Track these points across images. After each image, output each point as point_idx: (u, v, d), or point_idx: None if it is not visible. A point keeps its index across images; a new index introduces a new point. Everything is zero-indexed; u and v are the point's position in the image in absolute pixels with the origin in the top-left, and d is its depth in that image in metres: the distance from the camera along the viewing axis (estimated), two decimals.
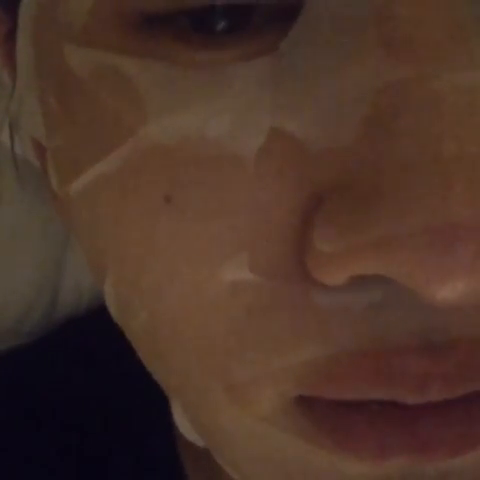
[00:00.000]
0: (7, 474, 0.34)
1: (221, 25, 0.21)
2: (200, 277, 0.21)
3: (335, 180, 0.20)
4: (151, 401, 0.33)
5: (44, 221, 0.38)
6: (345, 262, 0.19)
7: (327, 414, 0.22)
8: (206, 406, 0.23)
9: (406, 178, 0.18)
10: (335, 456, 0.22)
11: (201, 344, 0.22)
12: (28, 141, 0.28)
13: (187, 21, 0.21)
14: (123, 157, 0.21)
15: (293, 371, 0.21)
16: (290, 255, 0.20)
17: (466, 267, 0.18)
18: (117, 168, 0.21)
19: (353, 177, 0.19)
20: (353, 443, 0.21)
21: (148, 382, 0.26)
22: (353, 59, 0.19)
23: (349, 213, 0.19)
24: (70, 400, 0.36)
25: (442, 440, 0.21)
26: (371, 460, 0.21)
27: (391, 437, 0.21)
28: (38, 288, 0.39)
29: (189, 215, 0.21)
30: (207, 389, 0.23)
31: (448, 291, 0.18)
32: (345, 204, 0.19)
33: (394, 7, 0.19)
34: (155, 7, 0.21)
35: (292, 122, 0.20)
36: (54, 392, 0.36)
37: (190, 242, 0.21)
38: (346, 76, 0.19)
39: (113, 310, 0.25)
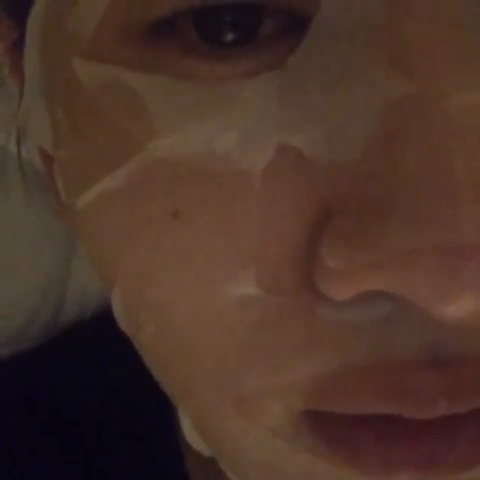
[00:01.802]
0: (13, 477, 0.34)
1: (229, 37, 0.21)
2: (207, 292, 0.21)
3: (343, 196, 0.20)
4: (156, 408, 0.33)
5: (50, 225, 0.38)
6: (353, 279, 0.19)
7: (334, 429, 0.22)
8: (213, 417, 0.23)
9: (414, 196, 0.18)
10: (341, 470, 0.22)
11: (208, 358, 0.22)
12: (35, 148, 0.28)
13: (195, 33, 0.21)
14: (131, 172, 0.21)
15: (300, 385, 0.21)
16: (297, 270, 0.20)
17: (474, 284, 0.18)
18: (125, 183, 0.22)
19: (361, 193, 0.19)
20: (359, 458, 0.21)
21: (153, 388, 0.26)
22: (362, 75, 0.19)
23: (357, 229, 0.19)
24: (75, 405, 0.36)
25: (448, 456, 0.21)
26: (377, 475, 0.21)
27: (397, 453, 0.21)
28: (44, 292, 0.39)
29: (196, 230, 0.21)
30: (214, 401, 0.23)
31: (456, 309, 0.18)
32: (353, 220, 0.19)
33: (404, 24, 0.19)
34: (162, 11, 0.20)
35: (300, 138, 0.20)
36: (59, 397, 0.36)
37: (197, 257, 0.21)
38: (355, 92, 0.19)
39: (121, 320, 0.25)
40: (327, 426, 0.22)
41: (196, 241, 0.21)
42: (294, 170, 0.20)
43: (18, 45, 0.26)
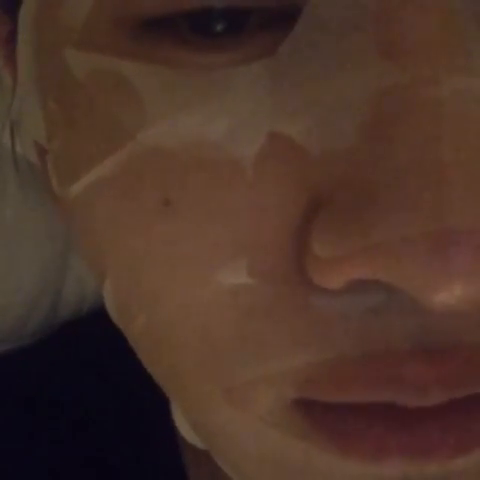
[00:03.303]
0: (7, 475, 0.34)
1: (219, 27, 0.21)
2: (198, 281, 0.21)
3: (333, 185, 0.19)
4: (153, 403, 0.33)
5: (46, 221, 0.38)
6: (343, 267, 0.19)
7: (326, 415, 0.22)
8: (205, 408, 0.23)
9: (403, 183, 0.18)
10: (334, 457, 0.22)
11: (199, 347, 0.22)
12: (29, 142, 0.28)
13: (186, 24, 0.21)
14: (122, 160, 0.21)
15: (291, 375, 0.21)
16: (289, 259, 0.20)
17: (463, 272, 0.18)
18: (116, 171, 0.21)
19: (351, 182, 0.19)
20: (352, 444, 0.21)
21: (150, 384, 0.26)
22: (352, 63, 0.19)
23: (347, 218, 0.19)
24: (72, 402, 0.36)
25: (442, 441, 0.21)
26: (370, 461, 0.21)
27: (390, 438, 0.21)
28: (40, 289, 0.39)
29: (188, 218, 0.21)
30: (206, 391, 0.23)
31: (445, 296, 0.18)
32: (343, 208, 0.19)
33: (392, 11, 0.19)
34: (153, 11, 0.21)
35: (291, 126, 0.20)
36: (55, 394, 0.36)
37: (188, 245, 0.21)
38: (345, 80, 0.19)
39: (112, 313, 0.25)
40: (319, 413, 0.22)
41: (187, 230, 0.21)
42: (285, 158, 0.20)
43: (11, 38, 0.26)
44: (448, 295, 0.18)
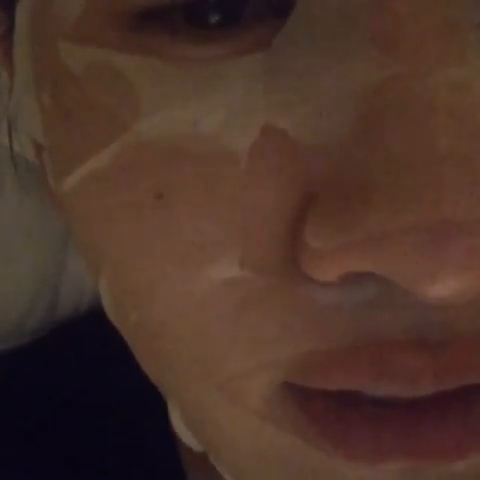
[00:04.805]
0: (5, 475, 0.34)
1: (215, 18, 0.21)
2: (191, 274, 0.21)
3: (328, 177, 0.19)
4: (151, 403, 0.33)
5: (44, 220, 0.38)
6: (336, 259, 0.19)
7: (324, 413, 0.21)
8: (200, 404, 0.23)
9: (397, 175, 0.18)
10: (329, 456, 0.21)
11: (194, 342, 0.22)
12: (27, 140, 0.28)
13: (180, 15, 0.21)
14: (116, 153, 0.21)
15: (284, 363, 0.21)
16: (282, 251, 0.20)
17: (457, 264, 0.18)
18: (109, 164, 0.21)
19: (345, 174, 0.19)
20: (349, 444, 0.21)
21: (148, 384, 0.26)
22: (346, 56, 0.19)
23: (341, 210, 0.19)
24: (70, 401, 0.36)
25: (442, 444, 0.21)
26: (368, 462, 0.21)
27: (389, 440, 0.21)
28: (39, 288, 0.39)
29: (181, 212, 0.21)
30: (201, 388, 0.23)
31: (440, 288, 0.18)
32: (337, 201, 0.19)
33: (387, 4, 0.19)
34: (148, 3, 0.21)
35: (285, 119, 0.20)
36: (54, 392, 0.36)
37: (181, 239, 0.21)
38: (339, 73, 0.19)
39: (108, 309, 0.24)
40: (317, 410, 0.21)
41: (180, 223, 0.21)
42: (279, 152, 0.20)
43: (9, 35, 0.26)
44: (442, 288, 0.18)
